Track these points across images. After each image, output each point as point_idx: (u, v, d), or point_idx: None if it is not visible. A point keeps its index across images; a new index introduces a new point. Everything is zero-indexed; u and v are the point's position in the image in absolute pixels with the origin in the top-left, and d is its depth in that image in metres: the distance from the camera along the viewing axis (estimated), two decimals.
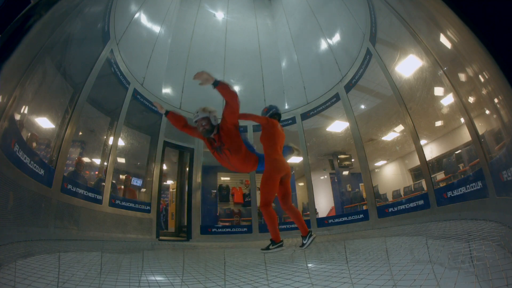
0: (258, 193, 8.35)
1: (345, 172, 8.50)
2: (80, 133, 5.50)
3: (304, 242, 2.96)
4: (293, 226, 7.09)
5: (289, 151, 3.33)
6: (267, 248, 2.97)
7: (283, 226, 7.19)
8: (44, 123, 4.25)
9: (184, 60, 8.27)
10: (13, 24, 2.26)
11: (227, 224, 7.76)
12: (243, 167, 2.84)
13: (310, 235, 2.98)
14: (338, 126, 7.57)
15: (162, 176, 7.00)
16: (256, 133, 8.15)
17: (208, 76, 2.30)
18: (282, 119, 8.10)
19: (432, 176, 4.75)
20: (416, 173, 6.60)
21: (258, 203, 8.41)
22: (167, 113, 2.90)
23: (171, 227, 8.36)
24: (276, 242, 2.98)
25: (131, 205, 5.89)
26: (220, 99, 9.12)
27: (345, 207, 7.52)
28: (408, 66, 5.12)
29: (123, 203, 5.73)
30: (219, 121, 2.77)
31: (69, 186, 4.43)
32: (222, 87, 2.37)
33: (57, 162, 4.21)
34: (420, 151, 4.83)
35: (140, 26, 7.01)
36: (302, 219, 3.11)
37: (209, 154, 8.56)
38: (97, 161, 5.89)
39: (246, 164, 2.79)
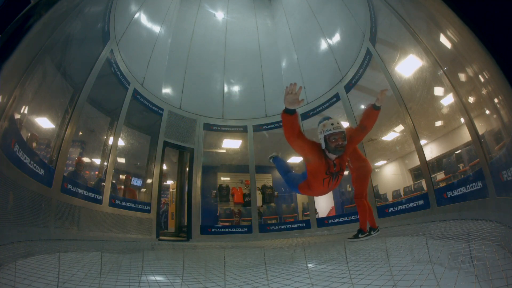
0: (258, 193, 8.35)
1: (345, 172, 8.48)
2: (80, 133, 5.50)
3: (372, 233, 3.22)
4: (293, 226, 7.10)
5: None
6: (356, 237, 3.19)
7: (283, 226, 7.19)
8: (44, 123, 4.25)
9: (184, 60, 8.27)
10: (13, 24, 2.26)
11: (227, 224, 7.76)
12: (331, 190, 2.52)
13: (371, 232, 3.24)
14: None
15: (162, 176, 7.00)
16: (256, 133, 8.15)
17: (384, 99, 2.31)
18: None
19: (432, 176, 4.75)
20: (416, 173, 6.59)
21: (259, 203, 8.42)
22: (294, 112, 1.98)
23: (171, 227, 8.36)
24: (364, 231, 3.18)
25: (131, 205, 5.89)
26: (218, 100, 9.08)
27: (345, 207, 7.51)
28: (408, 66, 5.12)
29: (123, 203, 5.73)
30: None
31: (69, 186, 4.43)
32: (378, 113, 2.34)
33: (57, 162, 4.20)
34: (420, 151, 4.82)
35: (140, 26, 7.01)
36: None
37: (209, 154, 8.60)
38: (97, 161, 5.89)
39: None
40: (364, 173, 3.23)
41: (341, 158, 2.25)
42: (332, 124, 2.17)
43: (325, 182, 2.26)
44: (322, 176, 2.23)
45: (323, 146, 2.19)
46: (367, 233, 3.20)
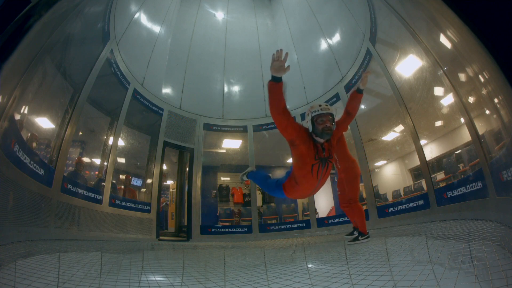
0: (258, 193, 8.35)
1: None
2: (80, 133, 5.50)
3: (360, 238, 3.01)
4: (293, 226, 7.10)
5: None
6: (356, 239, 3.01)
7: (283, 226, 7.19)
8: (44, 123, 4.25)
9: (184, 60, 8.27)
10: (13, 24, 2.26)
11: (227, 224, 7.76)
12: (323, 183, 2.27)
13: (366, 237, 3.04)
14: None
15: (162, 176, 7.00)
16: (256, 133, 8.15)
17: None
18: None
19: (432, 176, 4.75)
20: (416, 173, 6.59)
21: (259, 203, 8.42)
22: (280, 80, 1.86)
23: (171, 227, 8.36)
24: (364, 234, 3.01)
25: (131, 205, 5.89)
26: (218, 100, 9.10)
27: None
28: (408, 66, 5.12)
29: (123, 203, 5.73)
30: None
31: (69, 186, 4.43)
32: (361, 97, 2.37)
33: (57, 162, 4.21)
34: (420, 151, 4.82)
35: (140, 26, 7.01)
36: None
37: (209, 154, 8.60)
38: (97, 161, 5.89)
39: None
40: (354, 175, 3.04)
41: (330, 143, 2.13)
42: (320, 105, 2.09)
43: (314, 169, 2.06)
44: (311, 162, 2.05)
45: (310, 130, 2.09)
46: (367, 235, 3.05)
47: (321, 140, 2.08)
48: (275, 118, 1.96)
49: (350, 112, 2.37)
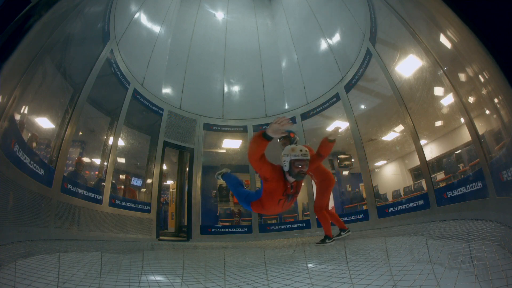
0: None
1: (345, 172, 8.49)
2: (80, 133, 5.50)
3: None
4: (293, 226, 7.10)
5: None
6: (323, 241, 3.51)
7: (283, 226, 7.19)
8: (44, 123, 4.25)
9: (184, 60, 8.27)
10: (13, 24, 2.26)
11: (227, 224, 7.76)
12: (285, 210, 2.60)
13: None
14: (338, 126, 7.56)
15: (162, 176, 7.00)
16: (255, 133, 8.15)
17: (338, 135, 2.50)
18: None
19: (432, 176, 4.75)
20: (416, 173, 6.59)
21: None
22: (271, 139, 1.98)
23: (171, 227, 8.36)
24: (330, 237, 3.52)
25: (131, 205, 5.89)
26: (218, 100, 9.09)
27: (345, 207, 7.51)
28: (408, 66, 5.12)
29: (123, 203, 5.73)
30: None
31: (69, 186, 4.43)
32: (333, 144, 2.52)
33: (57, 162, 4.21)
34: (420, 151, 4.82)
35: (140, 26, 7.01)
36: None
37: (209, 154, 8.59)
38: (97, 161, 5.89)
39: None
40: (326, 186, 3.46)
41: (299, 181, 2.31)
42: (301, 151, 2.21)
43: (280, 202, 2.32)
44: (278, 197, 2.28)
45: (286, 169, 2.22)
46: (332, 239, 3.54)
47: (292, 180, 2.25)
48: (251, 164, 2.09)
49: (321, 155, 2.55)
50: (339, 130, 2.47)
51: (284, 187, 2.24)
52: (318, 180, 3.51)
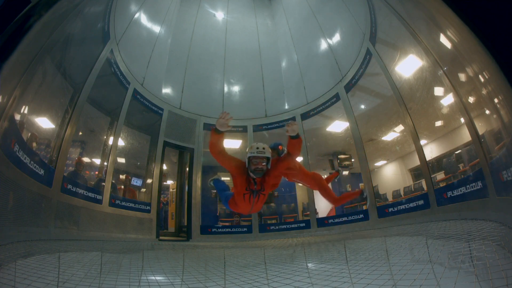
0: None
1: (345, 172, 8.49)
2: (80, 133, 5.50)
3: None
4: (293, 226, 7.10)
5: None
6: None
7: (283, 226, 7.19)
8: (44, 123, 4.25)
9: (184, 60, 8.27)
10: (13, 24, 2.26)
11: (227, 224, 7.75)
12: (257, 210, 2.75)
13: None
14: (338, 126, 7.56)
15: (162, 176, 7.00)
16: (256, 133, 8.16)
17: (297, 129, 2.46)
18: (282, 119, 8.15)
19: (432, 176, 4.75)
20: (416, 173, 6.60)
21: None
22: (221, 132, 2.25)
23: (171, 227, 8.35)
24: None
25: (131, 205, 5.88)
26: (218, 100, 9.08)
27: (345, 207, 7.51)
28: (408, 66, 5.12)
29: (123, 203, 5.72)
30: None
31: (69, 186, 4.43)
32: (299, 140, 2.46)
33: (57, 162, 4.20)
34: (420, 151, 4.82)
35: (140, 26, 7.01)
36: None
37: (209, 154, 8.57)
38: (97, 161, 5.89)
39: (261, 206, 2.74)
40: (319, 181, 3.65)
41: (264, 179, 2.43)
42: (258, 148, 2.35)
43: (246, 197, 2.47)
44: (242, 192, 2.45)
45: (247, 165, 2.40)
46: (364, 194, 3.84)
47: (254, 176, 2.39)
48: (214, 157, 2.32)
49: (290, 153, 2.58)
50: (294, 125, 2.41)
51: (247, 182, 2.41)
52: (312, 185, 3.68)
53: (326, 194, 3.63)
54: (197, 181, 7.37)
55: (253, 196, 2.45)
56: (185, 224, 7.35)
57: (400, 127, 6.33)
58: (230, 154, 2.38)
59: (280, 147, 3.27)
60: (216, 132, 2.18)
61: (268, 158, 2.39)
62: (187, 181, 7.60)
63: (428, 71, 4.62)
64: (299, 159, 7.94)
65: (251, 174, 2.38)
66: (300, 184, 9.36)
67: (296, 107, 7.97)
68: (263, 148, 2.36)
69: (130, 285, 2.09)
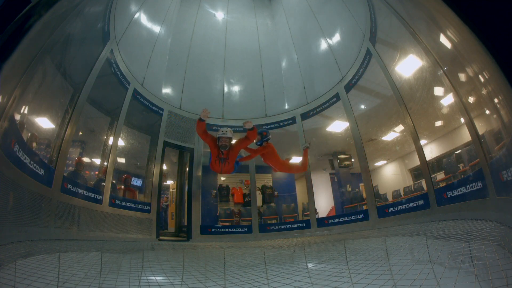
0: (258, 193, 8.34)
1: (345, 172, 8.49)
2: (80, 133, 5.50)
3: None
4: (293, 226, 7.10)
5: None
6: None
7: (283, 226, 7.19)
8: (44, 123, 4.25)
9: (184, 60, 8.27)
10: (13, 24, 2.26)
11: (227, 224, 7.75)
12: (226, 172, 3.77)
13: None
14: (338, 126, 7.56)
15: (162, 176, 7.00)
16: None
17: (251, 124, 3.43)
18: (282, 119, 8.15)
19: (432, 176, 4.75)
20: (416, 173, 6.60)
21: (259, 203, 8.43)
22: (204, 120, 3.34)
23: (171, 227, 8.36)
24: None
25: (131, 205, 5.89)
26: (218, 100, 9.08)
27: (345, 207, 7.51)
28: (408, 66, 5.12)
29: (123, 203, 5.73)
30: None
31: (69, 186, 4.43)
32: (254, 131, 3.48)
33: (57, 162, 4.20)
34: (420, 151, 4.82)
35: (140, 26, 7.01)
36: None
37: (209, 154, 8.56)
38: (97, 161, 5.89)
39: (230, 170, 3.72)
40: (287, 165, 4.40)
41: (228, 152, 3.45)
42: (223, 131, 3.40)
43: (217, 162, 3.52)
44: (214, 158, 3.52)
45: (217, 142, 3.42)
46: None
47: (221, 149, 3.44)
48: (198, 134, 3.45)
49: (248, 138, 3.55)
50: (248, 122, 3.38)
51: (218, 152, 3.47)
52: (280, 168, 4.22)
53: (289, 170, 4.56)
54: (197, 181, 7.37)
55: (221, 161, 3.48)
56: (185, 224, 7.36)
57: (400, 127, 6.34)
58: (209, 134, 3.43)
59: (264, 133, 4.11)
60: (200, 120, 3.28)
61: (230, 138, 3.41)
62: (187, 181, 7.60)
63: (428, 71, 4.62)
64: (299, 159, 7.93)
65: (221, 149, 3.41)
66: (301, 184, 9.31)
67: (296, 107, 7.98)
68: (226, 131, 3.40)
69: (130, 285, 2.09)
